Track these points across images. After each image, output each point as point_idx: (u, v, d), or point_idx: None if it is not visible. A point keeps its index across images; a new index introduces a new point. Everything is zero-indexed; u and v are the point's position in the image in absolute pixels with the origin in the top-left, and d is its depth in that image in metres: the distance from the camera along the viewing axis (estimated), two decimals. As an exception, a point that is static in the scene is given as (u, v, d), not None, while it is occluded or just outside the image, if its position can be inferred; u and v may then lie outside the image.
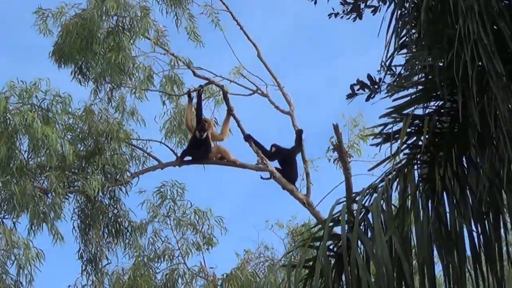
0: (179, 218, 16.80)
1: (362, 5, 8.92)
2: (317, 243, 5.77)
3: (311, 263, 5.77)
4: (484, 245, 5.74)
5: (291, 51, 26.81)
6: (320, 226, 5.95)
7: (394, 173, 5.87)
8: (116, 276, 16.35)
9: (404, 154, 5.99)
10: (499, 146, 5.47)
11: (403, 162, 5.95)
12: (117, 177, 16.08)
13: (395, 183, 5.86)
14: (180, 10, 16.38)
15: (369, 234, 5.70)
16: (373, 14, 8.84)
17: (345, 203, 5.78)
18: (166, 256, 16.70)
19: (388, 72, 6.82)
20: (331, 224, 5.74)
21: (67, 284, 16.56)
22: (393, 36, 5.86)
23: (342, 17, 9.15)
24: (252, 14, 24.84)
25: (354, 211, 5.76)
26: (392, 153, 5.90)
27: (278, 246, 18.02)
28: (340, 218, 5.70)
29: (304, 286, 5.76)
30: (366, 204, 5.81)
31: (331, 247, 5.80)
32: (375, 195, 5.81)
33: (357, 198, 5.86)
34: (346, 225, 5.64)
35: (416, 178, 5.93)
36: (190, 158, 15.90)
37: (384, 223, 5.64)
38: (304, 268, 5.78)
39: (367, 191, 5.85)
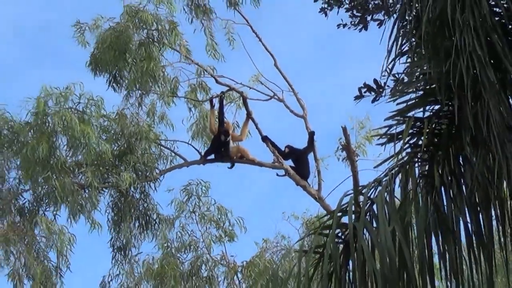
0: (203, 213, 16.89)
1: (369, 18, 9.01)
2: (327, 231, 5.77)
3: (321, 249, 5.76)
4: (477, 235, 5.72)
5: (306, 60, 26.80)
6: (329, 216, 5.96)
7: (397, 168, 5.85)
8: (146, 265, 16.43)
9: (406, 153, 5.97)
10: (490, 146, 5.45)
11: (405, 159, 5.93)
12: (147, 174, 16.19)
13: (398, 179, 5.85)
14: (206, 22, 16.49)
15: (374, 223, 5.68)
16: (379, 27, 8.91)
17: (352, 195, 5.76)
18: (192, 247, 16.80)
19: (391, 78, 6.86)
20: (339, 214, 5.72)
21: (100, 268, 16.78)
22: (394, 44, 5.85)
23: (349, 27, 9.25)
24: (271, 28, 24.96)
25: (361, 203, 5.74)
26: (395, 152, 5.89)
27: (294, 236, 17.97)
28: (347, 208, 5.68)
29: (315, 270, 5.75)
30: (372, 196, 5.78)
31: (339, 235, 5.78)
32: (379, 188, 5.78)
33: (363, 191, 5.83)
34: (353, 215, 5.63)
35: (417, 174, 5.92)
36: (213, 157, 16.00)
37: (387, 214, 5.63)
38: (315, 254, 5.77)
39: (373, 185, 5.82)
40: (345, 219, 5.74)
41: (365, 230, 5.62)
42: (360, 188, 5.89)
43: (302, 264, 5.65)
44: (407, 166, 5.90)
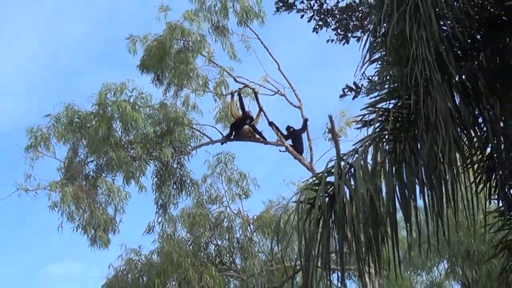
0: (228, 176, 17.17)
1: (350, 35, 9.20)
2: (317, 188, 5.79)
3: (312, 201, 5.80)
4: (430, 197, 5.75)
5: (303, 66, 26.94)
6: (318, 176, 5.96)
7: (369, 141, 5.87)
8: (182, 215, 16.66)
9: (376, 134, 5.96)
10: (438, 130, 5.47)
11: (376, 139, 5.95)
12: (182, 149, 16.40)
13: (370, 152, 5.85)
14: (224, 38, 16.65)
15: (352, 181, 5.73)
16: (358, 42, 9.04)
17: (336, 160, 5.82)
18: (218, 201, 17.10)
19: (366, 80, 7.01)
20: (326, 174, 5.77)
21: (147, 221, 17.04)
22: (367, 54, 5.89)
23: (335, 42, 9.42)
24: (277, 41, 25.12)
25: (342, 166, 5.79)
26: (368, 134, 5.96)
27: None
28: (333, 170, 5.75)
29: (307, 216, 5.78)
30: (350, 161, 5.82)
31: (325, 190, 5.80)
32: (356, 155, 5.82)
33: (344, 157, 5.87)
34: (337, 175, 5.69)
35: (385, 151, 5.94)
36: (232, 137, 16.22)
37: (362, 174, 5.65)
38: (307, 204, 5.80)
39: (351, 153, 5.86)
40: (330, 179, 5.82)
41: (345, 186, 5.70)
42: (341, 155, 5.93)
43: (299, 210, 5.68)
44: (377, 144, 5.91)
